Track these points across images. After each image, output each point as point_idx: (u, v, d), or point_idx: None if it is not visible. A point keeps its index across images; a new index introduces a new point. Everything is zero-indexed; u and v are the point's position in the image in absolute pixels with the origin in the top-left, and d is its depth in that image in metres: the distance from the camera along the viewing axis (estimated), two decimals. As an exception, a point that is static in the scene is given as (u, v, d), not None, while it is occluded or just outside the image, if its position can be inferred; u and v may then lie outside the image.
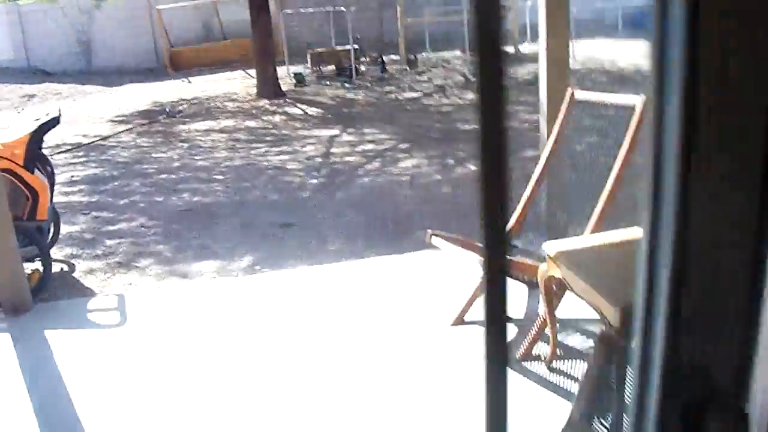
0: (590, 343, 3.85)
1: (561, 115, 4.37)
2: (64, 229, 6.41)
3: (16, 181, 5.23)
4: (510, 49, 18.00)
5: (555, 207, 4.56)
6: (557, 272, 3.25)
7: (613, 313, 2.63)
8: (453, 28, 18.48)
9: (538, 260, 3.74)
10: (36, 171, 5.44)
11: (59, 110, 5.80)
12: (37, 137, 5.46)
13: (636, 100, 3.81)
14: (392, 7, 19.33)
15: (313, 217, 6.86)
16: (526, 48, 18.28)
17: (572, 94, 4.34)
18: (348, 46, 15.70)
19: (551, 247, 3.31)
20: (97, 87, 18.50)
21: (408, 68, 16.45)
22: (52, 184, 5.79)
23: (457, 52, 17.97)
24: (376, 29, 20.51)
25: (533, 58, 16.51)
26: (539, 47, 5.44)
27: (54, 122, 5.61)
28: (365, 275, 5.12)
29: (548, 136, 4.97)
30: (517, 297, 4.32)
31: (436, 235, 4.09)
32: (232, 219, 6.96)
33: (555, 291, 3.43)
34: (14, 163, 5.23)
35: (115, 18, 20.56)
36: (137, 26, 21.70)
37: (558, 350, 3.63)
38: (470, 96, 13.00)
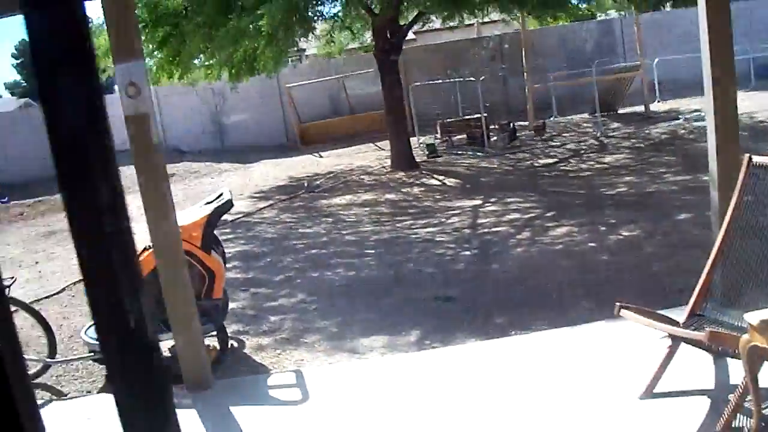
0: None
1: (740, 181, 4.27)
2: (228, 305, 6.62)
3: (194, 262, 5.47)
4: (641, 108, 17.79)
5: (738, 276, 4.42)
6: (762, 342, 3.19)
7: None
8: (579, 90, 18.39)
9: (730, 330, 3.68)
10: (212, 252, 5.68)
11: (230, 193, 6.04)
12: (212, 220, 5.70)
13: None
14: (516, 73, 19.45)
15: (472, 289, 6.87)
16: (656, 107, 18.01)
17: (750, 158, 4.27)
18: (477, 115, 15.80)
19: (754, 316, 3.25)
20: (232, 164, 19.18)
21: (536, 135, 16.41)
22: (224, 263, 6.02)
23: (586, 115, 17.86)
24: (501, 96, 20.63)
25: (665, 117, 16.27)
26: (705, 105, 5.25)
27: (228, 205, 5.86)
28: (538, 349, 5.06)
29: (720, 201, 4.89)
30: (701, 367, 4.23)
31: (625, 308, 4.05)
32: (390, 293, 7.03)
33: (759, 361, 3.36)
34: (193, 245, 5.47)
35: (247, 98, 21.33)
36: (268, 104, 22.51)
37: (763, 423, 3.52)
38: (607, 159, 12.91)
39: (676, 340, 3.97)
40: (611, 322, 4.91)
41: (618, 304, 4.06)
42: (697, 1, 5.10)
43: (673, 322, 4.05)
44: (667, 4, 13.99)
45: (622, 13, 21.55)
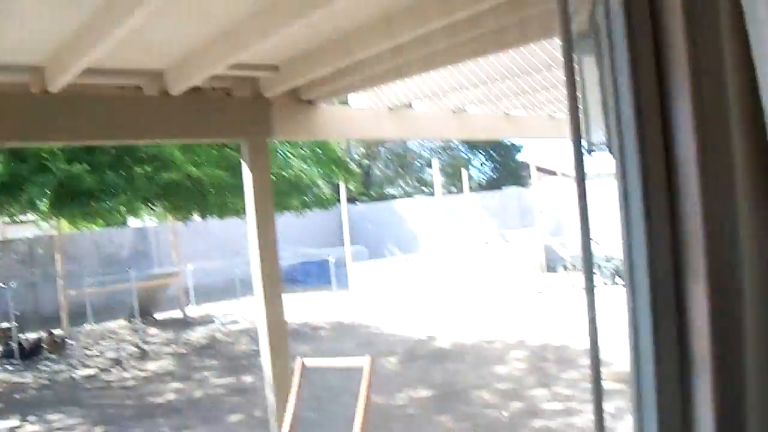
0: None
1: (295, 383, 4.74)
2: None
3: None
4: (178, 313, 17.90)
5: None
6: None
7: None
8: (116, 296, 18.11)
9: None
10: None
11: None
12: None
13: (364, 361, 4.41)
14: (50, 278, 18.85)
15: None
16: (192, 312, 18.24)
17: (302, 362, 4.76)
18: (6, 324, 14.46)
19: None
20: None
21: (51, 351, 14.51)
22: None
23: (123, 322, 17.38)
24: (32, 303, 19.67)
25: (202, 322, 16.69)
26: (256, 310, 5.77)
27: None
28: None
29: (277, 402, 5.43)
30: None
31: None
32: None
33: None
34: None
35: None
36: None
37: None
38: (151, 366, 12.62)
39: None
40: None
41: None
42: (247, 214, 5.77)
43: None
44: (196, 214, 14.79)
45: (152, 219, 21.80)
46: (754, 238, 1.08)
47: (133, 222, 22.90)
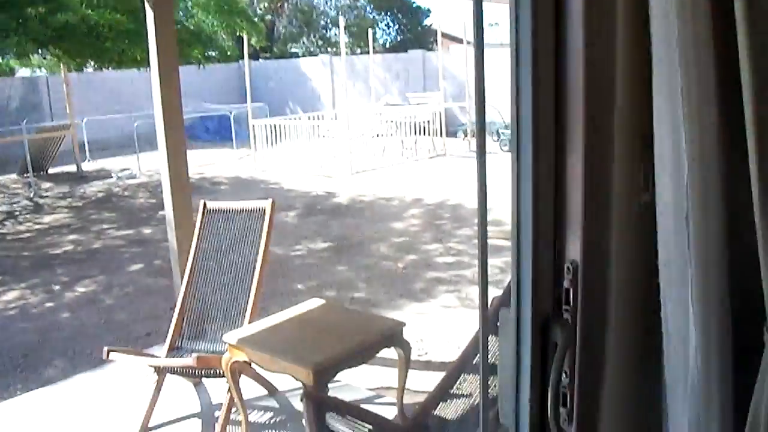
0: (271, 414, 4.49)
1: (197, 226, 4.81)
2: None
3: None
4: (72, 167, 17.56)
5: (203, 309, 4.86)
6: (242, 356, 3.77)
7: (307, 374, 3.37)
8: (7, 150, 17.57)
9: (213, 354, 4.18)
10: None
11: None
12: None
13: (266, 204, 4.51)
14: None
15: None
16: (88, 166, 18.07)
17: (205, 204, 4.82)
18: None
19: (232, 336, 3.84)
20: None
21: None
22: None
23: (14, 176, 17.01)
24: None
25: (98, 176, 16.53)
26: (160, 163, 5.72)
27: None
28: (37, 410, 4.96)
29: (179, 248, 5.46)
30: (185, 395, 4.78)
31: (113, 351, 4.31)
32: None
33: (238, 374, 3.91)
34: None
35: None
36: None
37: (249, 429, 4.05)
38: (46, 219, 12.43)
39: (161, 373, 4.36)
40: (96, 370, 5.33)
41: (106, 348, 4.29)
42: (150, 60, 5.57)
43: (157, 358, 4.48)
44: (92, 62, 14.44)
45: (42, 69, 20.98)
46: (630, 107, 1.19)
47: (22, 72, 21.97)
